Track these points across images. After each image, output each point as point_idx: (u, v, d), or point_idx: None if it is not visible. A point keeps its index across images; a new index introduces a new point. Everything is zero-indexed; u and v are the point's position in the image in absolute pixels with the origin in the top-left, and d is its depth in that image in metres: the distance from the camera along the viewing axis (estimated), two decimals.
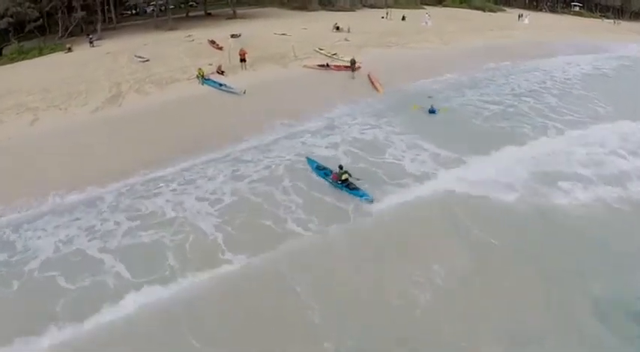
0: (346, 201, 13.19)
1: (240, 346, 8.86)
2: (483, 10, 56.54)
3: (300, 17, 44.85)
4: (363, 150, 16.46)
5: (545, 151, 16.25)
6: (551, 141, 17.53)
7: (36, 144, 17.16)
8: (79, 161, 15.84)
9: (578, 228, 12.08)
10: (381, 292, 9.98)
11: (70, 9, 36.84)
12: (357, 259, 11.04)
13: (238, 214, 12.69)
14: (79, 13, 36.57)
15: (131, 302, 9.63)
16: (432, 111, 20.12)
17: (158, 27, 39.13)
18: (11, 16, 32.84)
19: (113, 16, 42.19)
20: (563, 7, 66.61)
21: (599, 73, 29.51)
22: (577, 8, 65.57)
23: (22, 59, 31.82)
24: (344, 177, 13.55)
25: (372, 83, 24.04)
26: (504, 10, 59.90)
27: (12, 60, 31.91)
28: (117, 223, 12.49)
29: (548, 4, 67.01)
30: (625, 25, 55.73)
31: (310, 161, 15.35)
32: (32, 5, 33.45)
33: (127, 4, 44.49)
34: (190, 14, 46.79)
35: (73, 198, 13.80)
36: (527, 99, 22.99)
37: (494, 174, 14.31)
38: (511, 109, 21.46)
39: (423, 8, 54.49)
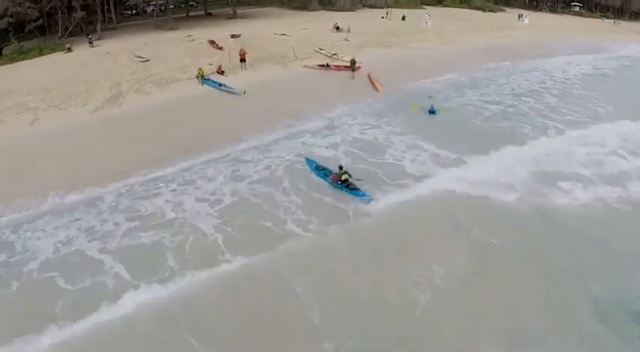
0: (346, 202, 13.18)
1: (239, 346, 8.86)
2: (483, 10, 56.51)
3: (300, 17, 44.83)
4: (363, 150, 16.46)
5: (545, 151, 16.26)
6: (551, 141, 17.54)
7: (36, 144, 17.15)
8: (79, 161, 15.83)
9: (578, 228, 12.09)
10: (381, 292, 9.99)
11: (70, 9, 36.80)
12: (356, 259, 11.04)
13: (238, 215, 12.68)
14: (79, 13, 36.53)
15: (130, 303, 9.64)
16: (432, 112, 20.11)
17: (158, 27, 39.10)
18: (11, 16, 32.80)
19: (113, 16, 42.14)
20: (563, 7, 66.60)
21: (599, 73, 29.52)
22: (577, 8, 65.56)
23: (22, 59, 31.78)
24: (344, 177, 13.54)
25: (372, 83, 24.02)
26: (504, 10, 59.88)
27: (12, 60, 31.88)
28: (116, 224, 12.48)
29: (548, 4, 66.99)
30: (625, 25, 55.72)
31: (309, 161, 15.34)
32: (32, 5, 33.42)
33: (127, 4, 44.43)
34: (190, 14, 46.77)
35: (73, 198, 13.79)
36: (527, 99, 22.99)
37: (494, 174, 14.31)
38: (511, 109, 21.46)
39: (423, 8, 54.47)
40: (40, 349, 8.78)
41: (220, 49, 29.41)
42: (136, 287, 10.06)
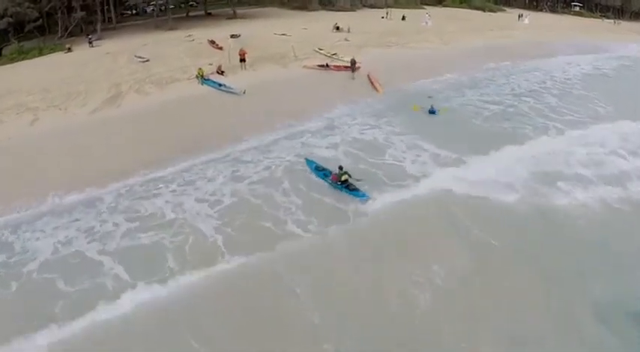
0: (346, 202, 13.17)
1: (239, 346, 8.85)
2: (483, 10, 56.54)
3: (301, 17, 44.84)
4: (363, 150, 16.44)
5: (545, 151, 16.26)
6: (551, 141, 17.54)
7: (35, 144, 17.13)
8: (79, 161, 15.80)
9: (578, 228, 12.11)
10: (381, 292, 9.99)
11: (70, 9, 36.75)
12: (356, 259, 11.04)
13: (238, 215, 12.66)
14: (79, 13, 36.49)
15: (129, 303, 9.63)
16: (432, 112, 20.09)
17: (158, 27, 39.09)
18: (11, 16, 32.75)
19: (113, 16, 42.11)
20: (563, 7, 66.61)
21: (599, 73, 29.52)
22: (577, 8, 65.58)
23: (22, 59, 31.75)
24: (344, 178, 13.53)
25: (372, 83, 23.99)
26: (504, 10, 59.90)
27: (12, 60, 31.85)
28: (116, 224, 12.45)
29: (549, 4, 66.98)
30: (625, 25, 55.73)
31: (309, 162, 15.33)
32: (32, 5, 33.37)
33: (127, 4, 44.42)
34: (190, 14, 46.77)
35: (72, 198, 13.75)
36: (528, 99, 22.98)
37: (494, 174, 14.32)
38: (511, 109, 21.46)
39: (423, 8, 54.49)
40: (39, 348, 8.77)
41: (220, 49, 29.41)
42: (135, 287, 10.04)
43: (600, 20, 59.06)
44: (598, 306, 9.52)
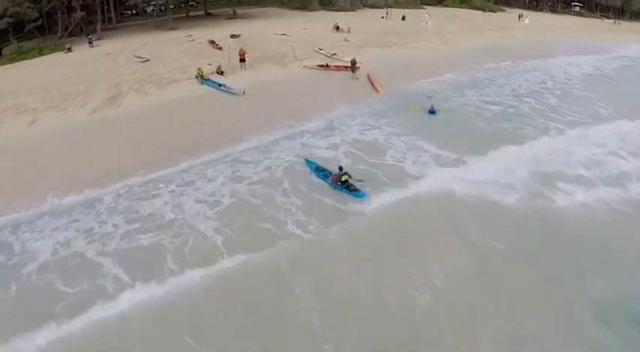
0: (346, 203, 13.14)
1: (239, 347, 8.84)
2: (483, 10, 56.59)
3: (301, 17, 44.87)
4: (363, 151, 16.40)
5: (545, 151, 16.25)
6: (551, 141, 17.50)
7: (34, 145, 17.10)
8: (78, 162, 15.77)
9: (578, 228, 12.09)
10: (380, 292, 9.97)
11: (70, 9, 36.81)
12: (356, 259, 11.03)
13: (238, 216, 12.61)
14: (79, 13, 36.56)
15: (128, 303, 9.62)
16: (432, 112, 20.06)
17: (158, 27, 39.12)
18: (11, 16, 32.79)
19: (113, 16, 42.15)
20: (563, 7, 66.64)
21: (599, 74, 29.49)
22: (577, 8, 65.59)
23: (22, 59, 31.83)
24: (344, 178, 13.50)
25: (372, 84, 23.94)
26: (504, 10, 59.93)
27: (12, 60, 31.92)
28: (115, 225, 12.42)
29: (549, 4, 66.99)
30: (625, 25, 55.74)
31: (309, 162, 15.30)
32: (32, 5, 33.43)
33: (127, 4, 44.49)
34: (190, 14, 46.85)
35: (72, 199, 13.72)
36: (528, 99, 22.94)
37: (494, 174, 14.31)
38: (511, 110, 21.41)
39: (423, 8, 54.54)
40: (38, 348, 8.78)
41: (220, 49, 29.42)
42: (134, 288, 10.01)
43: (600, 20, 59.08)
44: (598, 306, 9.51)
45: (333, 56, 27.94)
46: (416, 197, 13.36)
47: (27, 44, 34.04)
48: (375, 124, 19.08)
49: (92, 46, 33.00)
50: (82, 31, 37.42)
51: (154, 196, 13.79)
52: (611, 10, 64.45)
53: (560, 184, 13.95)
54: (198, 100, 20.98)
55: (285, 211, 12.79)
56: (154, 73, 24.90)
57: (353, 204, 13.02)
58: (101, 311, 9.42)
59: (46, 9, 35.46)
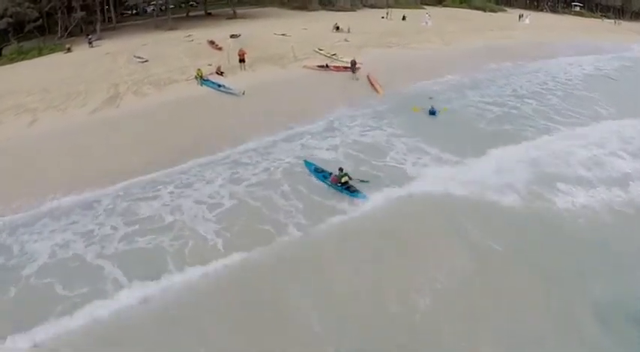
0: (346, 204, 13.10)
1: (239, 347, 8.84)
2: (484, 10, 56.56)
3: (301, 17, 44.82)
4: (363, 152, 16.36)
5: (546, 152, 16.25)
6: (552, 142, 17.46)
7: (34, 145, 17.07)
8: (77, 162, 15.73)
9: (578, 229, 12.11)
10: (380, 292, 9.98)
11: (70, 9, 36.74)
12: (356, 260, 11.02)
13: (237, 218, 12.56)
14: (79, 13, 36.49)
15: (127, 306, 9.58)
16: (432, 113, 20.01)
17: (158, 27, 39.07)
18: (11, 16, 32.74)
19: (113, 16, 42.10)
20: (563, 7, 66.63)
21: (600, 74, 29.49)
22: (578, 8, 65.56)
23: (22, 59, 31.78)
24: (344, 179, 13.47)
25: (372, 84, 23.88)
26: (505, 10, 59.90)
27: (11, 60, 31.88)
28: (114, 227, 12.36)
29: (549, 4, 66.96)
30: (626, 25, 55.73)
31: (308, 163, 15.25)
32: (32, 5, 33.37)
33: (127, 4, 44.47)
34: (190, 14, 46.79)
35: (71, 200, 13.67)
36: (529, 100, 22.92)
37: (495, 175, 14.32)
38: (512, 111, 21.38)
39: (424, 8, 54.48)
40: (38, 347, 8.79)
41: (219, 49, 29.36)
42: (133, 290, 9.96)
43: (601, 20, 59.05)
44: (598, 306, 9.52)
45: (333, 56, 27.89)
46: (416, 198, 13.36)
47: (27, 44, 34.00)
48: (376, 125, 19.04)
49: (92, 46, 32.95)
50: (81, 31, 37.36)
51: (153, 198, 13.74)
52: (612, 10, 64.44)
53: (560, 185, 13.97)
54: (198, 101, 20.93)
55: (285, 213, 12.75)
56: (152, 73, 24.85)
57: (353, 205, 12.99)
58: (100, 312, 9.39)
59: (46, 9, 35.41)
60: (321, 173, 14.52)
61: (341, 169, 13.75)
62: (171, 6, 43.39)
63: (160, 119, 19.16)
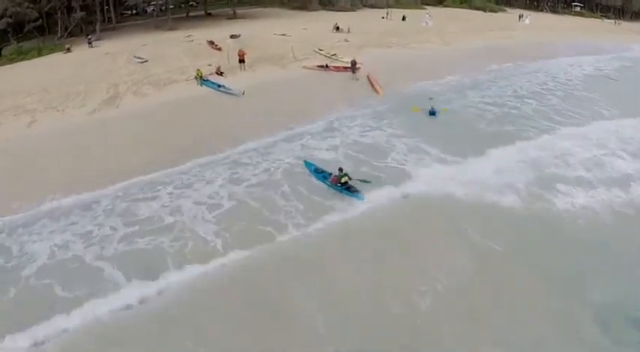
0: (346, 204, 13.09)
1: (239, 346, 8.84)
2: (484, 11, 56.55)
3: (301, 17, 44.79)
4: (363, 152, 16.33)
5: (546, 153, 16.24)
6: (552, 142, 17.42)
7: (33, 145, 17.06)
8: (76, 163, 15.72)
9: (578, 230, 12.10)
10: (381, 292, 9.99)
11: (70, 9, 36.72)
12: (357, 260, 11.02)
13: (237, 219, 12.53)
14: (79, 14, 36.46)
15: (126, 306, 9.58)
16: (432, 113, 19.98)
17: (158, 27, 39.02)
18: (10, 17, 32.70)
19: (113, 16, 42.05)
20: (563, 8, 66.64)
21: (600, 74, 29.47)
22: (578, 8, 65.57)
23: (22, 60, 31.75)
24: (344, 179, 13.46)
25: (372, 85, 23.85)
26: (505, 11, 59.90)
27: (11, 60, 31.86)
28: (113, 228, 12.33)
29: (549, 4, 66.95)
30: (626, 25, 55.77)
31: (308, 164, 15.23)
32: (31, 5, 33.32)
33: (127, 4, 44.41)
34: (190, 14, 46.73)
35: (70, 200, 13.65)
36: (529, 100, 22.88)
37: (495, 175, 14.30)
38: (513, 111, 21.34)
39: (424, 8, 54.47)
40: (38, 347, 8.78)
41: (219, 49, 29.34)
42: (132, 291, 9.94)
43: (601, 20, 59.08)
44: (598, 307, 9.52)
45: (333, 57, 27.85)
46: (416, 198, 13.36)
47: (26, 44, 33.98)
48: (376, 125, 19.01)
49: (91, 47, 32.91)
50: (81, 31, 37.32)
51: (153, 198, 13.71)
52: (612, 10, 64.47)
53: (560, 185, 13.97)
54: (198, 101, 20.90)
55: (285, 214, 12.73)
56: (152, 73, 24.81)
57: (353, 205, 12.98)
58: (100, 312, 9.39)
59: (46, 9, 35.37)
60: (320, 173, 14.50)
61: (341, 169, 13.73)
62: (171, 6, 43.35)
63: (159, 119, 19.15)
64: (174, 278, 10.29)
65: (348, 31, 35.70)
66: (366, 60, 26.31)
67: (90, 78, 24.56)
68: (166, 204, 13.35)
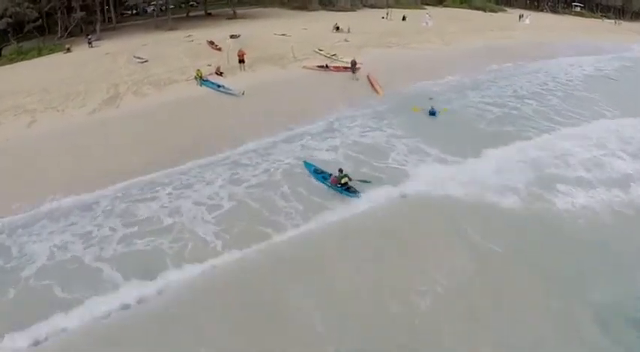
0: (346, 204, 13.07)
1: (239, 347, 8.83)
2: (484, 11, 56.53)
3: (301, 17, 44.77)
4: (363, 153, 16.32)
5: (546, 153, 16.25)
6: (552, 142, 17.43)
7: (33, 145, 17.04)
8: (76, 163, 15.70)
9: (578, 230, 12.11)
10: (380, 291, 10.00)
11: (70, 9, 36.68)
12: (357, 260, 11.03)
13: (237, 220, 12.52)
14: (79, 14, 36.41)
15: (125, 307, 9.58)
16: (432, 113, 19.97)
17: (158, 27, 38.99)
18: (10, 17, 32.66)
19: (113, 16, 42.02)
20: (564, 8, 66.62)
21: (600, 75, 29.48)
22: (578, 8, 65.55)
23: (22, 60, 31.71)
24: (344, 180, 13.45)
25: (372, 85, 23.83)
26: (505, 11, 59.87)
27: (11, 60, 31.82)
28: (112, 229, 12.32)
29: (549, 4, 66.92)
30: (626, 25, 55.77)
31: (307, 164, 15.22)
32: (31, 5, 33.27)
33: (127, 4, 44.38)
34: (190, 14, 46.70)
35: (69, 201, 13.64)
36: (529, 101, 22.89)
37: (495, 175, 14.32)
38: (513, 111, 21.35)
39: (424, 8, 54.43)
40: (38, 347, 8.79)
41: (219, 49, 29.31)
42: (131, 290, 9.94)
43: (601, 20, 59.06)
44: (598, 307, 9.53)
45: (333, 57, 27.83)
46: (416, 198, 13.36)
47: (26, 44, 33.94)
48: (376, 126, 19.00)
49: (92, 47, 32.87)
50: (81, 31, 37.28)
51: (152, 199, 13.70)
52: (612, 10, 64.45)
53: (560, 185, 13.98)
54: (197, 101, 20.88)
55: (285, 214, 12.73)
56: (152, 73, 24.79)
57: (353, 206, 12.97)
58: (99, 312, 9.39)
59: (46, 9, 35.32)
60: (320, 174, 14.49)
61: (341, 170, 13.73)
62: (172, 6, 43.30)
63: (159, 119, 19.13)
64: (173, 278, 10.28)
65: (348, 31, 35.68)
66: (366, 60, 26.28)
67: (90, 78, 24.54)
68: (166, 205, 13.35)
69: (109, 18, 41.71)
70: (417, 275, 10.42)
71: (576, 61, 32.14)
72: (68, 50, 32.04)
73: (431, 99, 21.98)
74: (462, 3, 59.99)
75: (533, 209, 12.90)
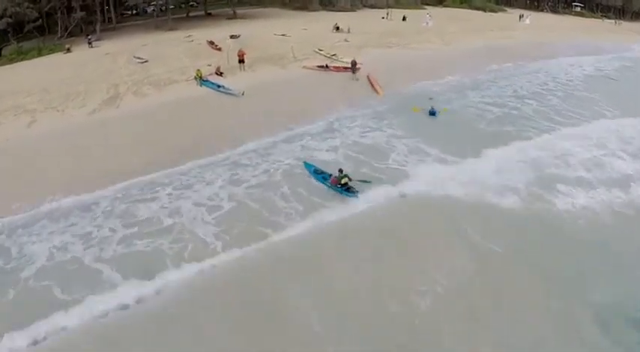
0: (346, 204, 13.07)
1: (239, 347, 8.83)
2: (484, 11, 56.53)
3: (301, 17, 44.78)
4: (363, 153, 16.31)
5: (546, 153, 16.24)
6: (552, 142, 17.42)
7: (33, 145, 17.03)
8: (76, 163, 15.69)
9: (578, 230, 12.11)
10: (380, 291, 10.00)
11: (70, 9, 36.69)
12: (356, 260, 11.03)
13: (236, 221, 12.51)
14: (79, 14, 36.42)
15: (125, 308, 9.57)
16: (432, 113, 19.97)
17: (158, 27, 39.00)
18: (10, 17, 32.66)
19: (113, 16, 42.03)
20: (564, 8, 66.61)
21: (600, 75, 29.47)
22: (578, 8, 65.54)
23: (22, 60, 31.71)
24: (344, 181, 13.45)
25: (372, 85, 23.83)
26: (505, 11, 59.88)
27: (11, 60, 31.83)
28: (112, 230, 12.31)
29: (549, 4, 66.91)
30: (626, 25, 55.76)
31: (307, 165, 15.22)
32: (31, 5, 33.28)
33: (127, 4, 44.39)
34: (190, 14, 46.72)
35: (69, 201, 13.63)
36: (530, 101, 22.88)
37: (495, 175, 14.32)
38: (513, 111, 21.34)
39: (424, 8, 54.44)
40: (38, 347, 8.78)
41: (219, 49, 29.31)
42: (130, 290, 9.94)
43: (601, 20, 59.04)
44: (598, 307, 9.53)
45: (333, 57, 27.82)
46: (416, 198, 13.36)
47: (26, 44, 33.95)
48: (376, 126, 19.00)
49: (91, 47, 32.88)
50: (81, 31, 37.29)
51: (152, 199, 13.69)
52: (612, 10, 64.44)
53: (560, 186, 13.98)
54: (197, 101, 20.86)
55: (285, 215, 12.72)
56: (152, 73, 24.78)
57: (352, 206, 12.97)
58: (98, 312, 9.39)
59: (46, 9, 35.33)
60: (320, 174, 14.48)
61: (341, 170, 13.72)
62: (172, 6, 43.32)
63: (159, 119, 19.11)
64: (172, 278, 10.28)
65: (348, 32, 35.67)
66: (366, 60, 26.26)
67: (90, 78, 24.54)
68: (166, 205, 13.34)
69: (109, 18, 41.72)
70: (416, 275, 10.42)
71: (576, 61, 32.14)
72: (68, 50, 32.04)
73: (431, 99, 21.97)
74: (462, 3, 60.00)
75: (533, 209, 12.90)
